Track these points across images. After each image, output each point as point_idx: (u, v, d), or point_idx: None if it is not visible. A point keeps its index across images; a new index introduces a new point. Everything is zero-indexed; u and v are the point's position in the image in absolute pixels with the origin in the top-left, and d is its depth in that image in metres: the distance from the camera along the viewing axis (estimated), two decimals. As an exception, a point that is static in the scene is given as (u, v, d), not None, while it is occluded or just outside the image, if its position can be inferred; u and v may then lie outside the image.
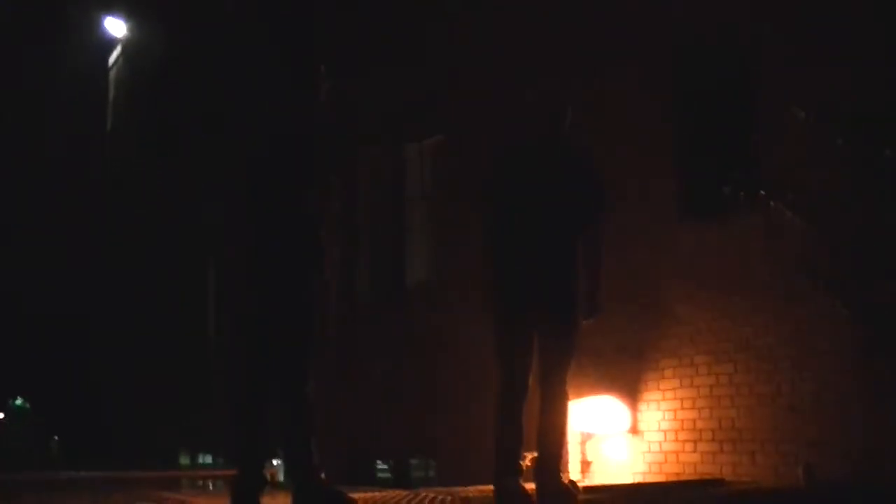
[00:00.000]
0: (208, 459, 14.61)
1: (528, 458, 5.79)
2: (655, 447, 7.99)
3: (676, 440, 7.83)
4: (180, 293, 16.56)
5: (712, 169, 7.72)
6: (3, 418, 22.79)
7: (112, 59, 22.33)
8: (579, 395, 7.72)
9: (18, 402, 22.61)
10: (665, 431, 7.93)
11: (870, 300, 6.00)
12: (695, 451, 7.69)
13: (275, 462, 8.21)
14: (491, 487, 5.75)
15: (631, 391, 8.20)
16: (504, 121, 8.29)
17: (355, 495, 5.46)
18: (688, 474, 7.62)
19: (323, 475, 5.04)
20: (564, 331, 5.73)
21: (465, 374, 9.20)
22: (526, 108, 6.09)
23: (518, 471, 5.66)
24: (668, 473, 7.81)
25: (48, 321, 22.71)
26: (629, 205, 7.92)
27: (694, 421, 7.73)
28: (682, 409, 7.82)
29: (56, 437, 21.91)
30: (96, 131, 22.48)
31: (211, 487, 9.52)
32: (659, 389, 8.02)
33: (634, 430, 8.15)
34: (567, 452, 8.20)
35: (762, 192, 6.39)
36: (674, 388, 7.91)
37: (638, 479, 7.97)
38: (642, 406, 8.15)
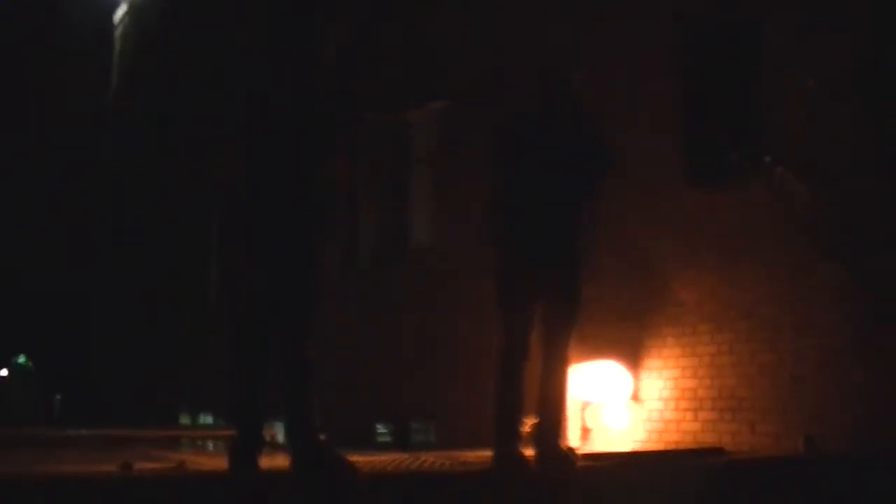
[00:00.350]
0: (209, 419, 14.65)
1: (528, 424, 5.79)
2: (656, 415, 7.99)
3: (677, 409, 7.83)
4: (182, 252, 16.56)
5: (718, 136, 7.67)
6: (6, 376, 22.90)
7: (117, 17, 22.22)
8: (580, 361, 7.71)
9: (21, 360, 22.69)
10: (665, 400, 7.93)
11: (872, 268, 5.98)
12: (695, 419, 7.69)
13: (275, 423, 8.21)
14: (490, 452, 5.74)
15: (632, 358, 8.18)
16: (507, 84, 8.24)
17: (354, 458, 5.45)
18: (687, 443, 7.62)
19: (323, 437, 5.03)
20: (568, 294, 5.71)
21: (468, 339, 9.19)
22: (529, 71, 6.05)
23: (517, 436, 5.65)
24: (667, 442, 7.81)
25: (51, 282, 22.77)
26: (634, 170, 7.87)
27: (695, 390, 7.72)
28: (684, 377, 7.81)
29: (58, 396, 22.00)
30: (102, 93, 22.40)
31: (211, 447, 9.54)
32: (660, 357, 8.01)
33: (635, 397, 8.15)
34: (567, 419, 8.21)
35: (767, 159, 6.35)
36: (675, 357, 7.89)
37: (637, 447, 7.97)
38: (643, 373, 8.14)
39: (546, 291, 5.68)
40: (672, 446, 7.70)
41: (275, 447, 6.54)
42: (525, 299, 5.66)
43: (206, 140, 14.45)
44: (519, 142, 5.81)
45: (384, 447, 9.85)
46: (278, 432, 7.63)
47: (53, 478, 4.91)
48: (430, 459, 6.23)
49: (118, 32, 22.20)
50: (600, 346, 8.15)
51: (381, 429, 10.87)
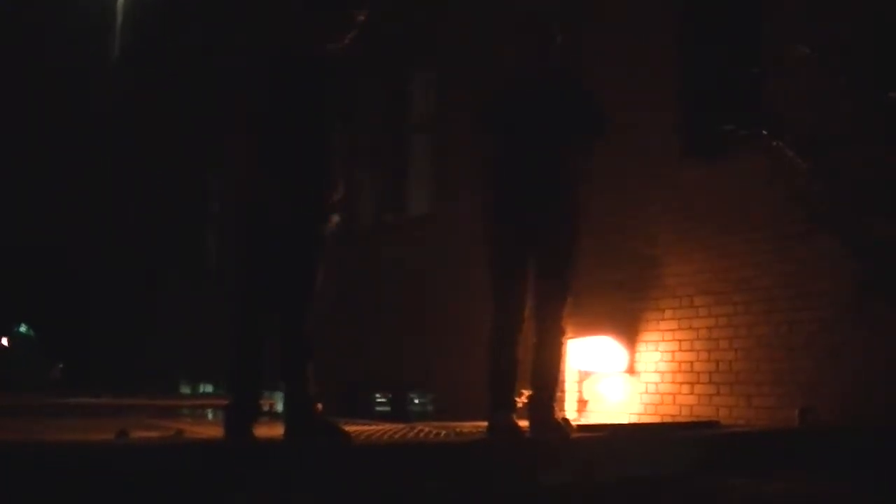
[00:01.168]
0: (209, 389, 14.71)
1: (524, 395, 5.81)
2: (652, 388, 8.01)
3: (673, 381, 7.85)
4: (181, 220, 16.58)
5: (715, 106, 7.65)
6: (8, 344, 22.96)
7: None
8: (578, 333, 7.73)
9: (23, 328, 22.73)
10: (662, 373, 7.95)
11: (867, 240, 5.98)
12: (691, 392, 7.71)
13: (275, 394, 8.25)
14: (485, 423, 5.77)
15: (629, 331, 8.20)
16: (497, 50, 8.21)
17: (351, 428, 5.49)
18: (684, 416, 7.64)
19: (320, 406, 5.06)
20: (562, 261, 5.72)
21: (466, 308, 9.20)
22: (517, 33, 6.02)
23: (512, 406, 5.67)
24: (663, 415, 7.84)
25: (51, 252, 22.78)
26: (630, 140, 7.87)
27: (692, 363, 7.74)
28: (681, 350, 7.83)
29: (60, 364, 22.07)
30: (102, 60, 22.32)
31: (210, 416, 9.58)
32: (658, 330, 8.02)
33: (632, 370, 8.17)
34: (564, 391, 8.25)
35: (764, 131, 6.34)
36: (672, 329, 7.91)
37: (634, 419, 8.00)
38: (640, 346, 8.16)
39: (540, 259, 5.69)
40: (668, 419, 7.73)
41: (274, 417, 6.58)
42: (519, 268, 5.67)
43: (204, 106, 14.43)
44: (508, 107, 5.81)
45: (382, 417, 9.90)
46: (277, 402, 7.67)
47: (51, 445, 4.95)
48: (426, 429, 6.26)
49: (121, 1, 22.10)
50: (597, 319, 8.17)
51: (379, 398, 10.92)
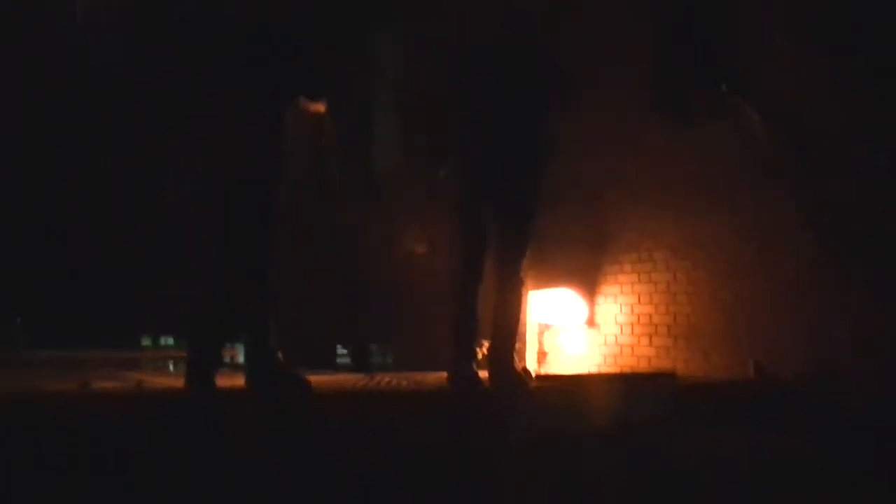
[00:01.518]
0: (170, 341, 14.66)
1: (484, 346, 5.87)
2: (612, 340, 8.09)
3: (632, 334, 7.93)
4: (141, 171, 16.41)
5: (685, 70, 7.67)
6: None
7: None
8: (538, 286, 7.79)
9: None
10: (622, 325, 8.03)
11: (830, 201, 6.05)
12: (650, 345, 7.79)
13: (236, 345, 8.25)
14: (446, 374, 5.82)
15: (589, 284, 8.27)
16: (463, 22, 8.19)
17: (313, 378, 5.52)
18: (642, 368, 7.74)
19: (280, 356, 5.09)
20: (522, 214, 5.76)
21: (429, 264, 9.24)
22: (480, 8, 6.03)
23: (471, 356, 5.73)
24: (622, 366, 7.93)
25: (7, 206, 22.56)
26: (598, 98, 7.88)
27: (650, 315, 7.81)
28: (640, 303, 7.90)
29: (18, 319, 21.94)
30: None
31: (171, 368, 9.57)
32: (617, 283, 8.09)
33: (591, 322, 8.25)
34: (524, 342, 8.33)
35: (733, 96, 6.39)
36: (632, 283, 7.98)
37: (593, 370, 8.09)
38: (600, 299, 8.23)
39: (500, 212, 5.73)
40: (627, 370, 7.82)
41: (235, 368, 6.59)
42: (479, 221, 5.71)
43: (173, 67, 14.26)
44: (472, 69, 5.82)
45: (343, 369, 9.94)
46: (239, 353, 7.68)
47: (11, 395, 4.95)
48: (386, 379, 6.31)
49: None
50: (558, 271, 8.23)
51: (340, 350, 10.94)
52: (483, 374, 5.76)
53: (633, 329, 7.94)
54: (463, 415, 5.04)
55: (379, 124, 11.53)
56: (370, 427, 4.63)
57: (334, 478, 3.79)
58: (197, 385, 4.99)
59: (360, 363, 9.86)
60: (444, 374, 5.83)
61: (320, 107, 5.52)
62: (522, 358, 8.06)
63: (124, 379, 6.56)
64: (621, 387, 6.44)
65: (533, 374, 6.11)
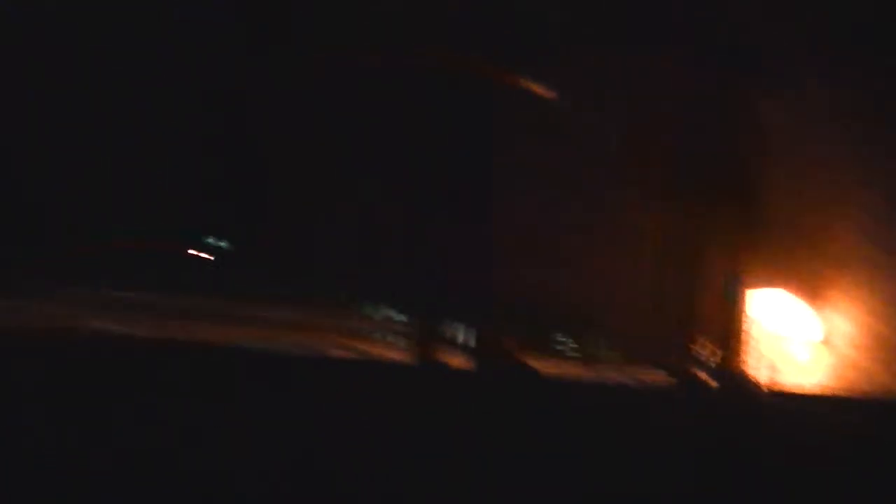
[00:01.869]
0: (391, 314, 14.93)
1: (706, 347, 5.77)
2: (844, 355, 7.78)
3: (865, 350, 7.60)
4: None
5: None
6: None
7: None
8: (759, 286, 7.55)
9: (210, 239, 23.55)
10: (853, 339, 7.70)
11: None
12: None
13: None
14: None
15: (815, 290, 7.94)
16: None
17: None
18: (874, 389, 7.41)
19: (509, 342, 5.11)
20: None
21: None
22: None
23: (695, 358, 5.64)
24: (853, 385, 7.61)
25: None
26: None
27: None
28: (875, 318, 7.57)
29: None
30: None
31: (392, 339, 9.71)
32: (847, 293, 7.76)
33: (818, 333, 7.92)
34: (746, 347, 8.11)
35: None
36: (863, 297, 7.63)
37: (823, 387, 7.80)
38: (827, 308, 7.90)
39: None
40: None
41: (453, 346, 6.67)
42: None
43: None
44: None
45: (562, 357, 9.92)
46: (459, 333, 7.82)
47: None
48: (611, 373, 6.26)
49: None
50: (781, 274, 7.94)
51: (560, 338, 10.93)
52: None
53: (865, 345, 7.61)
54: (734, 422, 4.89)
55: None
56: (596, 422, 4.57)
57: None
58: (425, 359, 5.07)
59: (581, 352, 9.84)
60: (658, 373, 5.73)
61: None
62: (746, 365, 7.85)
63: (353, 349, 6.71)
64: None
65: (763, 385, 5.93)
